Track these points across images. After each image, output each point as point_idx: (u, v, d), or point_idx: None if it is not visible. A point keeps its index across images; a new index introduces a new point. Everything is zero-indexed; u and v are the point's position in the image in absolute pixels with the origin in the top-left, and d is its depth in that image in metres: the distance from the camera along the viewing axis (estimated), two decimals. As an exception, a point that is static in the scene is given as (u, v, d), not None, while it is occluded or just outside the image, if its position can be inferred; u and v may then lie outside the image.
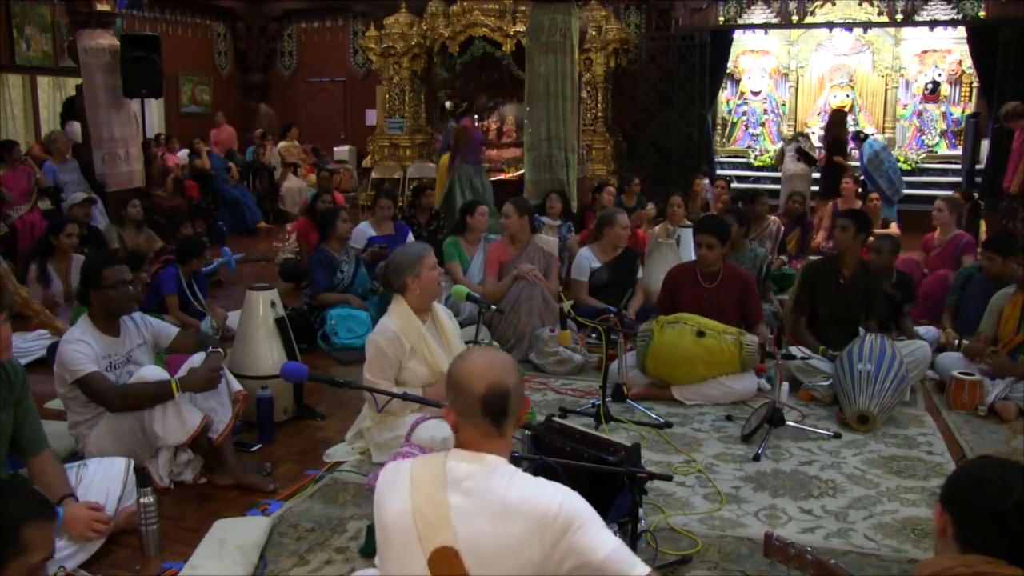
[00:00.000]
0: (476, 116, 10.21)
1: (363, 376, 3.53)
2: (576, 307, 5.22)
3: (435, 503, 1.70)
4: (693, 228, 4.73)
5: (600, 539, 1.67)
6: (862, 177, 9.64)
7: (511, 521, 1.67)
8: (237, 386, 3.56)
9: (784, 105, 12.80)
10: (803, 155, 10.21)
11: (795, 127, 12.45)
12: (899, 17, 11.43)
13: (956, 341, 4.84)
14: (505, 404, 1.76)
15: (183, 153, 11.02)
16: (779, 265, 6.67)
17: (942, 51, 12.23)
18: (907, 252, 7.02)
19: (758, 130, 12.93)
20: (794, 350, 4.49)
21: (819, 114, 12.72)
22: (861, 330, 4.60)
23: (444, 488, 1.71)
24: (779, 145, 11.46)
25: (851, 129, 12.13)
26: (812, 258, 5.88)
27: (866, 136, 10.58)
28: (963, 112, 12.04)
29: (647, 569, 1.66)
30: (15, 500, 1.81)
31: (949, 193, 7.51)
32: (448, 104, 9.95)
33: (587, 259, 5.59)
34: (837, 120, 10.36)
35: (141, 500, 2.87)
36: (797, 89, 12.84)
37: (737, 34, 12.18)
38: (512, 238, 5.52)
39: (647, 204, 8.63)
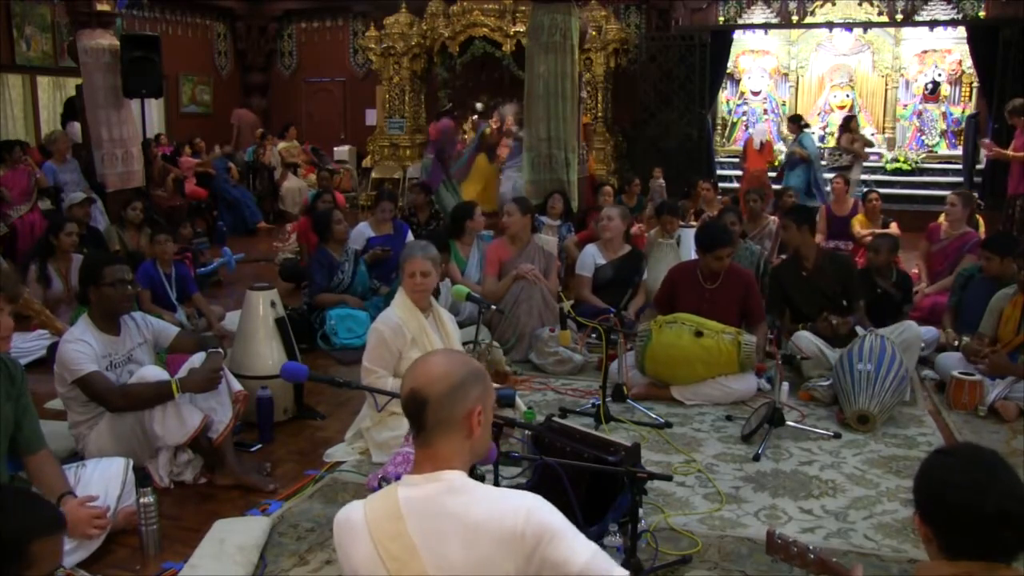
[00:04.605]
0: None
1: (362, 365, 3.54)
2: (576, 305, 5.23)
3: (397, 536, 1.63)
4: (702, 244, 4.64)
5: (574, 549, 1.61)
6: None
7: (478, 541, 1.60)
8: (237, 386, 3.56)
9: (784, 105, 12.79)
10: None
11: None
12: (899, 17, 11.43)
13: (956, 341, 4.84)
14: (421, 415, 1.66)
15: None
16: (778, 264, 6.65)
17: (942, 51, 12.24)
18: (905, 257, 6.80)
19: (758, 130, 12.92)
20: (794, 350, 4.49)
21: (819, 114, 12.72)
22: (860, 330, 4.60)
23: (402, 519, 1.64)
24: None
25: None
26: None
27: (806, 124, 10.35)
28: (963, 112, 12.04)
29: (624, 573, 1.62)
30: (25, 514, 1.80)
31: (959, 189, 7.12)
32: (479, 105, 10.00)
33: (592, 256, 5.58)
34: None
35: (141, 500, 2.88)
36: (797, 89, 12.83)
37: (737, 34, 12.18)
38: (513, 238, 5.52)
39: (647, 203, 8.64)
